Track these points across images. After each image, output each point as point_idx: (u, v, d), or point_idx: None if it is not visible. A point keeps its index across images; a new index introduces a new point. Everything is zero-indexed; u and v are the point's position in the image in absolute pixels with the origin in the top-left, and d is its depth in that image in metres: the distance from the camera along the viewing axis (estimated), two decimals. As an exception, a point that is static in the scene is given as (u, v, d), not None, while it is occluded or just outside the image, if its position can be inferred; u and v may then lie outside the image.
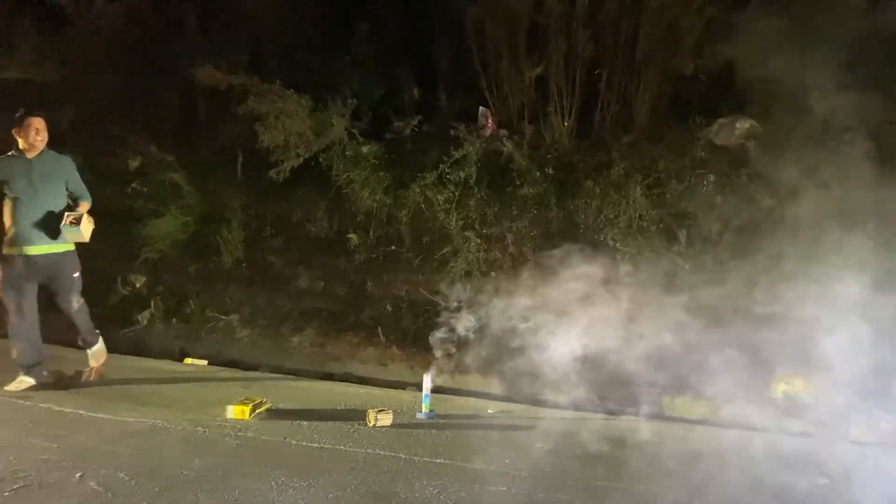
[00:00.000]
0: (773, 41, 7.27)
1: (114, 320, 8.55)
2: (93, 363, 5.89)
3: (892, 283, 4.80)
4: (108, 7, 9.16)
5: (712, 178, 7.02)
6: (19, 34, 9.45)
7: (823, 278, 4.97)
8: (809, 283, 5.04)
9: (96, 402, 5.20)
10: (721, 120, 7.42)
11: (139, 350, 8.05)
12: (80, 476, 3.67)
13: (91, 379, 5.91)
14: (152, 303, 8.74)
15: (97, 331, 5.98)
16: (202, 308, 8.64)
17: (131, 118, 9.11)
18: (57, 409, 4.97)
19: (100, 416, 4.84)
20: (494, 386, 6.31)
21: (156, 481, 3.65)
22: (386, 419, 5.04)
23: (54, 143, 9.47)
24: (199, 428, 4.68)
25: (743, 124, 7.29)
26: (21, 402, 5.07)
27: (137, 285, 9.11)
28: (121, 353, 7.76)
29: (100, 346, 5.96)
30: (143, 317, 8.56)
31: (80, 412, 4.91)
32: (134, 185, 9.16)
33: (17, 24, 9.54)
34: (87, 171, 9.28)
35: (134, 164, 9.07)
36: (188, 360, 7.49)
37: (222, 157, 9.13)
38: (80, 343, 5.92)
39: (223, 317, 8.39)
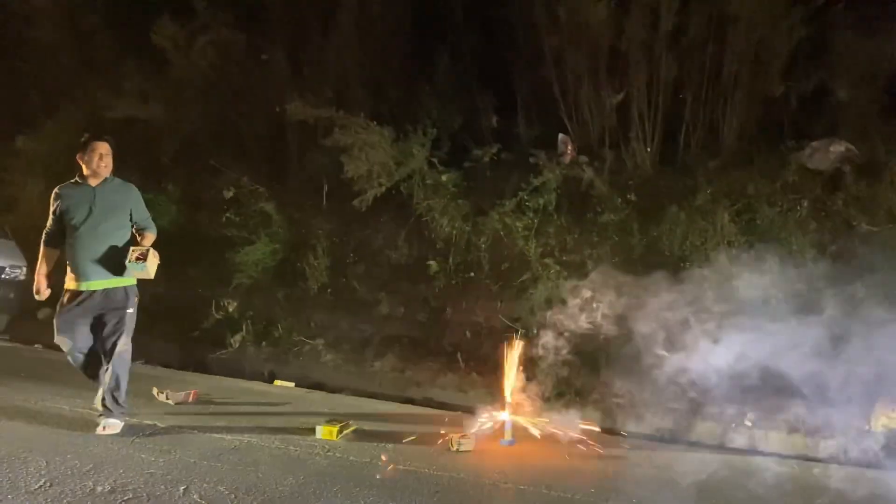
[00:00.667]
0: (866, 61, 7.04)
1: (208, 342, 9.02)
2: (99, 430, 4.87)
3: None
4: (205, 48, 9.73)
5: (806, 203, 6.77)
6: (125, 75, 10.17)
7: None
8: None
9: (195, 420, 5.46)
10: (814, 143, 7.18)
11: (231, 371, 8.40)
12: (184, 489, 3.86)
13: (190, 401, 6.17)
14: (244, 326, 9.13)
15: (124, 405, 5.04)
16: (289, 332, 8.95)
17: (226, 151, 9.62)
18: (161, 425, 5.25)
19: (199, 433, 5.09)
20: (577, 413, 6.24)
21: (253, 496, 3.81)
22: (468, 444, 5.07)
23: (156, 177, 10.18)
24: (291, 447, 4.84)
25: (837, 147, 7.02)
26: (126, 418, 5.38)
27: (230, 309, 9.53)
28: (214, 374, 8.21)
29: (117, 421, 4.95)
30: (235, 340, 8.93)
31: (181, 429, 5.17)
32: (228, 214, 9.65)
33: (122, 65, 10.29)
34: (185, 202, 9.99)
35: (228, 194, 9.54)
36: (277, 382, 7.76)
37: (309, 186, 9.50)
38: (98, 404, 5.00)
39: (309, 341, 8.67)
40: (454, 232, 8.56)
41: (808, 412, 4.91)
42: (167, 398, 6.06)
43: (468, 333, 7.97)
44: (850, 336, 5.46)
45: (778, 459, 5.11)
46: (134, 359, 5.17)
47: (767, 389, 5.11)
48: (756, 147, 7.35)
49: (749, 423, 5.44)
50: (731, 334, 5.20)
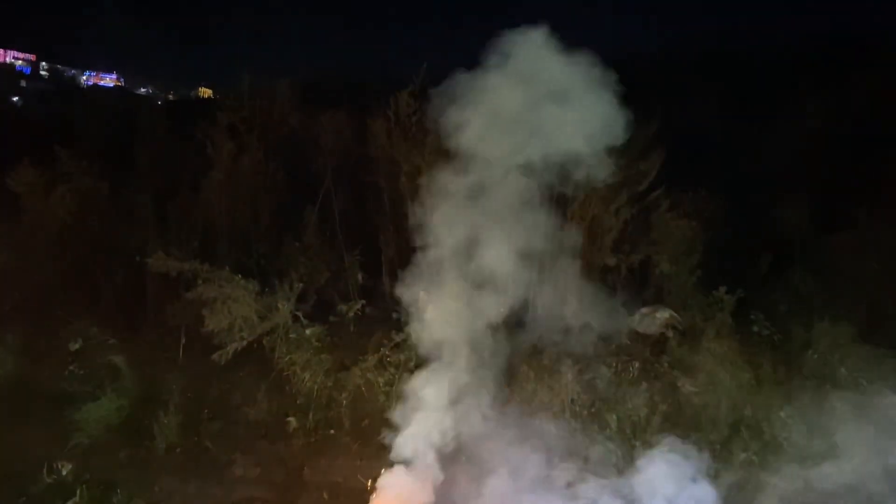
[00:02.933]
0: (684, 240, 8.16)
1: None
2: None
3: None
4: (64, 195, 9.55)
5: (637, 364, 7.48)
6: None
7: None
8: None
9: None
10: (643, 310, 8.04)
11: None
12: None
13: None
14: (78, 491, 8.34)
15: None
16: (129, 498, 8.28)
17: (78, 301, 9.22)
18: None
19: None
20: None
21: None
22: None
23: (-6, 325, 9.49)
24: None
25: (663, 314, 7.90)
26: None
27: (64, 472, 8.72)
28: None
29: None
30: (66, 508, 8.12)
31: None
32: (71, 367, 9.09)
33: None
34: (24, 354, 9.32)
35: (74, 346, 9.05)
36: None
37: (167, 339, 9.21)
38: None
39: (151, 507, 8.06)
40: (315, 387, 8.53)
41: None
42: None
43: (326, 495, 7.77)
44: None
45: None
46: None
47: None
48: (596, 311, 8.07)
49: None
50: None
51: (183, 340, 9.11)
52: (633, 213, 8.42)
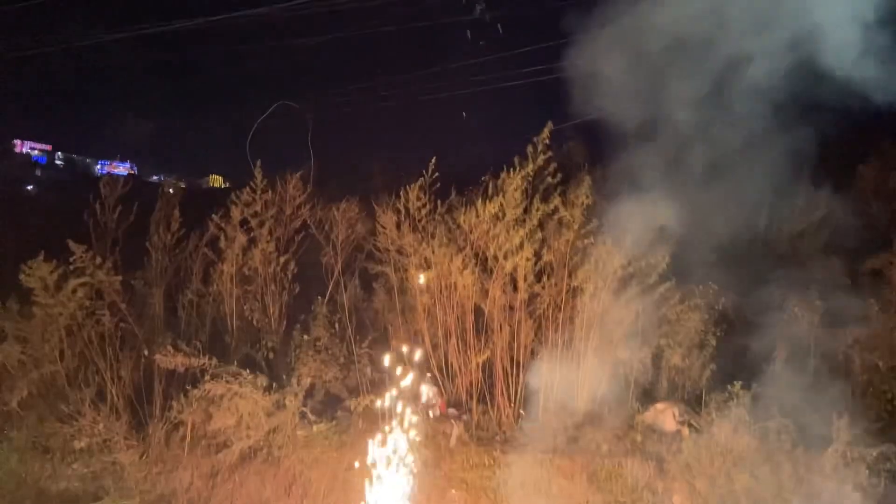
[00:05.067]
0: (694, 331, 8.09)
1: None
2: None
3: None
4: (75, 291, 9.59)
5: (653, 463, 7.31)
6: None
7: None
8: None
9: None
10: (658, 405, 7.91)
11: None
12: None
13: None
14: None
15: None
16: None
17: (84, 398, 9.12)
18: None
19: None
20: None
21: None
22: None
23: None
24: None
25: (676, 409, 7.77)
26: None
27: (60, 580, 8.42)
28: None
29: None
30: None
31: None
32: (75, 466, 8.92)
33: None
34: (29, 451, 9.16)
35: (79, 444, 8.91)
36: None
37: (174, 435, 9.04)
38: None
39: None
40: (323, 487, 8.32)
41: None
42: None
43: None
44: None
45: None
46: None
47: None
48: (606, 407, 7.97)
49: None
50: None
51: (188, 438, 8.95)
52: (643, 305, 8.39)
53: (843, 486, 6.68)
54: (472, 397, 8.97)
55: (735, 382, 7.48)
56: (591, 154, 12.16)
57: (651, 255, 8.19)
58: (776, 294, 8.18)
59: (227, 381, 8.62)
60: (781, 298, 8.06)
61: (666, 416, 7.71)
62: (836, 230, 9.56)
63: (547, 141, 8.88)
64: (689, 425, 7.58)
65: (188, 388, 8.90)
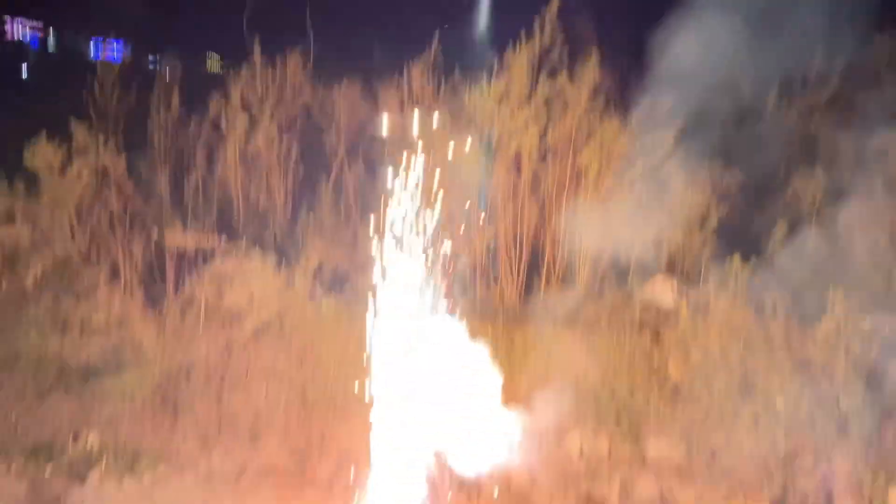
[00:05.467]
0: (697, 210, 8.19)
1: (64, 478, 8.43)
2: None
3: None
4: (81, 171, 9.67)
5: (649, 334, 7.64)
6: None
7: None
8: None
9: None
10: (656, 280, 8.12)
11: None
12: None
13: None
14: (104, 459, 8.64)
15: None
16: (154, 463, 8.58)
17: (99, 276, 9.40)
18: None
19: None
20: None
21: None
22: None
23: (16, 300, 9.74)
24: None
25: (675, 284, 8.00)
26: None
27: (90, 441, 9.01)
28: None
29: None
30: (95, 474, 8.43)
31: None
32: (95, 340, 9.33)
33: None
34: (48, 327, 9.57)
35: (97, 320, 9.26)
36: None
37: (188, 312, 9.39)
38: None
39: (177, 473, 8.37)
40: (333, 359, 8.72)
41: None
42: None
43: (344, 460, 8.01)
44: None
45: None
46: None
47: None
48: (608, 283, 8.20)
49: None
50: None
51: (202, 314, 9.29)
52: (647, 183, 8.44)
53: (835, 356, 6.98)
54: (476, 276, 9.20)
55: (733, 257, 7.64)
56: (599, 31, 11.77)
57: (657, 134, 8.15)
58: (782, 170, 8.21)
59: (238, 260, 8.85)
60: (787, 175, 8.09)
61: (665, 290, 7.95)
62: (848, 103, 9.38)
63: (555, 17, 8.62)
64: (687, 299, 7.82)
65: (199, 266, 9.15)
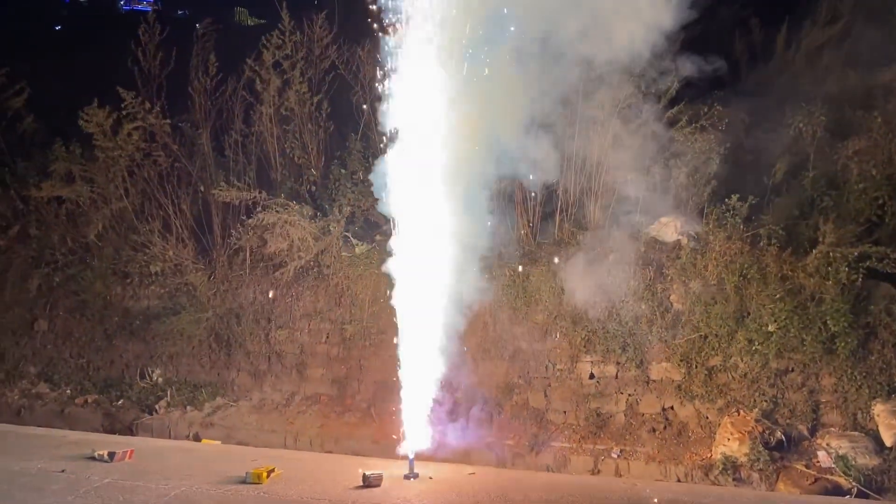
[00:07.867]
0: (698, 153, 8.66)
1: (134, 409, 9.59)
2: None
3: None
4: (131, 133, 10.51)
5: (653, 268, 8.30)
6: (52, 157, 10.76)
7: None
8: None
9: (135, 475, 6.16)
10: (662, 219, 8.67)
11: (158, 435, 9.05)
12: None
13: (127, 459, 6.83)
14: (168, 392, 9.75)
15: None
16: (213, 395, 9.68)
17: (152, 229, 10.36)
18: (106, 480, 5.93)
19: (141, 484, 5.81)
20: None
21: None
22: (378, 480, 6.06)
23: (80, 253, 10.77)
24: (226, 491, 5.65)
25: (679, 222, 8.54)
26: (72, 475, 6.02)
27: (155, 377, 10.15)
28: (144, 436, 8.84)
29: None
30: (161, 405, 9.54)
31: (124, 482, 5.88)
32: (152, 287, 10.38)
33: (49, 149, 10.88)
34: (110, 277, 10.60)
35: (154, 268, 10.26)
36: (205, 441, 8.46)
37: (234, 260, 10.33)
38: None
39: (233, 403, 9.47)
40: (367, 299, 9.55)
41: None
42: (106, 456, 6.71)
43: (379, 389, 8.94)
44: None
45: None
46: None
47: None
48: (616, 224, 8.76)
49: None
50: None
51: (248, 261, 10.21)
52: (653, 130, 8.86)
53: (824, 283, 7.53)
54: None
55: (733, 196, 8.15)
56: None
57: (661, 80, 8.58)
58: (784, 109, 8.56)
59: (277, 212, 9.68)
60: (789, 113, 8.45)
61: (668, 228, 8.50)
62: (856, 43, 9.57)
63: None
64: (689, 235, 8.40)
65: (243, 218, 10.02)
